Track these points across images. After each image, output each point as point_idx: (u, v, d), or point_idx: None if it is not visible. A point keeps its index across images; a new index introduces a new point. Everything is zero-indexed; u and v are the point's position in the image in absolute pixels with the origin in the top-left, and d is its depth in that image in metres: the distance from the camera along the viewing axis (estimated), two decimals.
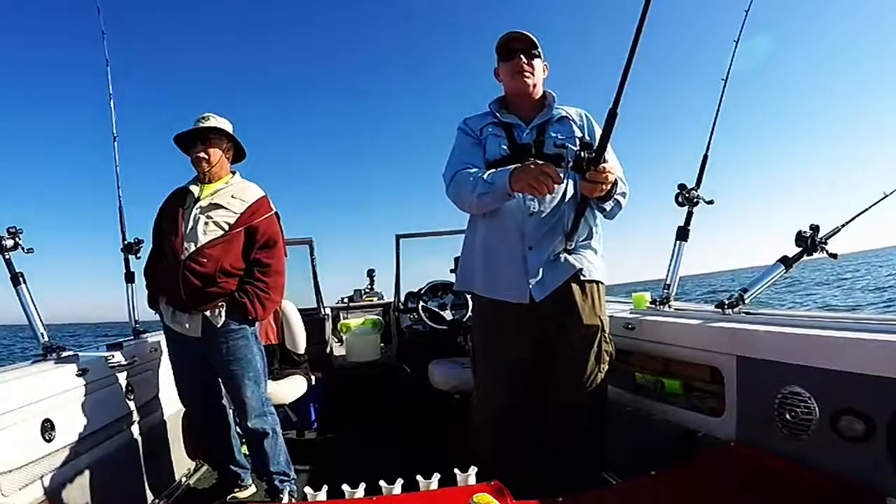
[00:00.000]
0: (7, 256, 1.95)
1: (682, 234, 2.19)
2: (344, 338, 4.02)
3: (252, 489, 2.26)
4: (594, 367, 1.66)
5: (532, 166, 1.45)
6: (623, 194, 1.65)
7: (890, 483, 1.15)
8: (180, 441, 2.43)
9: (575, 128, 1.72)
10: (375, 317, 4.13)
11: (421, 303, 3.21)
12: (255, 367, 2.04)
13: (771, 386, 1.43)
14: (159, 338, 2.37)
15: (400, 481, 1.32)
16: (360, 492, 1.29)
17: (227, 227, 1.98)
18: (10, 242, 1.94)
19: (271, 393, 2.26)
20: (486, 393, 1.79)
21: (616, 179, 1.54)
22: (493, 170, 1.62)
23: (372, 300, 4.61)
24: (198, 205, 2.00)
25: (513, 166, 1.53)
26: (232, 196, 2.04)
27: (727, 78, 2.22)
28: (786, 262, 1.82)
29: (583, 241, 1.69)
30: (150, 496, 2.12)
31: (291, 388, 2.72)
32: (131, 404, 2.10)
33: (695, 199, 2.14)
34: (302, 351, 2.96)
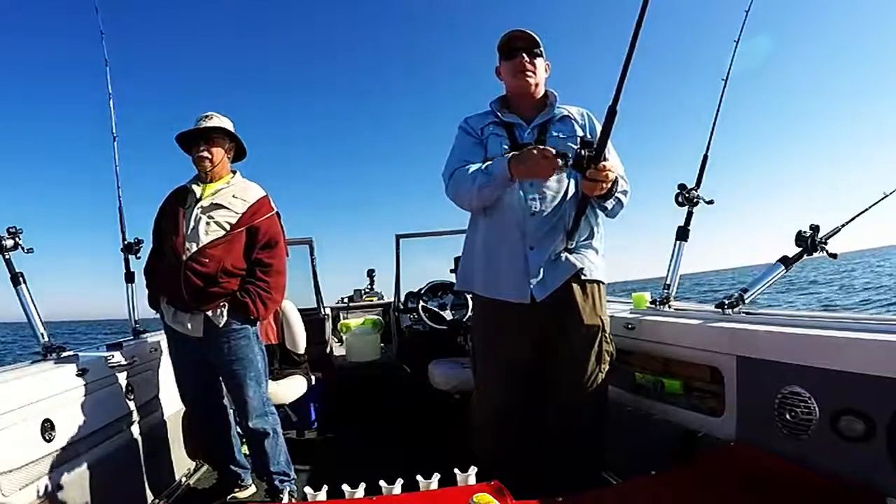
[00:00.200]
0: (7, 256, 1.95)
1: (682, 234, 2.19)
2: (344, 338, 4.01)
3: (252, 489, 2.26)
4: (594, 367, 1.65)
5: (534, 151, 1.45)
6: (624, 192, 1.64)
7: (890, 483, 1.15)
8: (180, 441, 2.43)
9: (576, 127, 1.71)
10: (375, 317, 4.13)
11: (421, 303, 3.21)
12: (257, 367, 2.04)
13: (771, 386, 1.43)
14: (159, 338, 2.37)
15: (400, 481, 1.32)
16: (360, 492, 1.29)
17: (228, 227, 1.98)
18: (10, 242, 1.94)
19: (271, 393, 2.26)
20: (486, 393, 1.79)
21: (617, 178, 1.54)
22: (489, 161, 1.61)
23: (372, 300, 4.60)
24: (199, 204, 1.99)
25: (510, 154, 1.53)
26: (233, 196, 2.03)
27: (727, 78, 2.22)
28: (786, 261, 1.82)
29: (584, 240, 1.68)
30: (150, 496, 2.12)
31: (291, 388, 2.72)
32: (131, 404, 2.10)
33: (695, 199, 2.14)
34: (302, 351, 2.96)
